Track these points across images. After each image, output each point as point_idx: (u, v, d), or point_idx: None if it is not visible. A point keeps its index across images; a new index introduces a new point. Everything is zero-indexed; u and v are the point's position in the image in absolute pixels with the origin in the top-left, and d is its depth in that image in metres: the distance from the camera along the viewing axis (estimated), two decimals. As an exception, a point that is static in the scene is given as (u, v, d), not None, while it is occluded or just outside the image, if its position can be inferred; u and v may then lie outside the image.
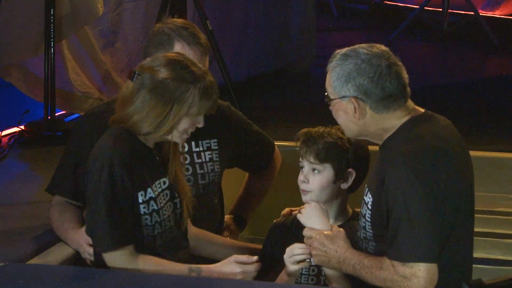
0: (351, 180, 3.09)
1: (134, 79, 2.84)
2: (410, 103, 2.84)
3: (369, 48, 2.80)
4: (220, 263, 2.91)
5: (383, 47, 2.82)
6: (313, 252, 2.87)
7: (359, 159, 3.08)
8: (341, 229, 2.89)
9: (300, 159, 3.11)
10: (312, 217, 2.94)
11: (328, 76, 2.84)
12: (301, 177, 3.11)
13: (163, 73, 2.82)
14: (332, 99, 2.82)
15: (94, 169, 2.80)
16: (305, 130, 3.12)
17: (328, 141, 3.06)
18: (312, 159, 3.07)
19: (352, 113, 2.78)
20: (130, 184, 2.81)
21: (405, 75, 2.81)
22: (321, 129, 3.10)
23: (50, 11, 4.95)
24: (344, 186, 3.09)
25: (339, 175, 3.07)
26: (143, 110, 2.81)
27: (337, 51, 2.84)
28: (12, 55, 5.12)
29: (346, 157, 3.06)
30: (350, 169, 3.08)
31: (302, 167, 3.12)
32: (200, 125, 2.89)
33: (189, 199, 3.02)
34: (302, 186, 3.10)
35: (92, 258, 2.94)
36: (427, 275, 2.61)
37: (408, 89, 2.81)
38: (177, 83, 2.81)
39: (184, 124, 2.86)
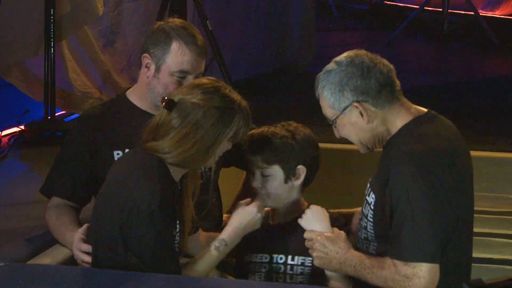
0: (303, 176, 3.10)
1: (172, 109, 2.71)
2: (408, 102, 2.84)
3: (346, 54, 2.83)
4: (233, 219, 2.92)
5: (359, 50, 2.83)
6: (314, 254, 2.87)
7: (306, 153, 3.09)
8: (342, 231, 2.89)
9: (249, 165, 3.12)
10: (313, 221, 2.94)
11: (321, 101, 2.85)
12: (254, 183, 3.12)
13: (206, 102, 2.71)
14: (335, 119, 2.82)
15: (139, 214, 2.62)
16: (248, 134, 3.06)
17: (273, 142, 3.06)
18: (259, 164, 3.08)
19: (360, 120, 2.78)
20: (171, 223, 2.75)
21: (389, 65, 2.82)
22: (264, 130, 3.11)
23: (50, 11, 4.95)
24: (297, 183, 3.10)
25: (289, 174, 3.08)
26: (189, 142, 2.69)
27: (316, 76, 2.84)
28: (12, 55, 5.11)
29: (293, 155, 3.07)
30: (300, 166, 3.08)
31: (253, 174, 3.12)
32: (229, 148, 2.82)
33: (190, 225, 2.94)
34: (259, 191, 3.11)
35: (86, 265, 2.91)
36: (429, 275, 2.61)
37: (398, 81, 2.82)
38: (222, 111, 2.72)
39: (222, 149, 2.78)
